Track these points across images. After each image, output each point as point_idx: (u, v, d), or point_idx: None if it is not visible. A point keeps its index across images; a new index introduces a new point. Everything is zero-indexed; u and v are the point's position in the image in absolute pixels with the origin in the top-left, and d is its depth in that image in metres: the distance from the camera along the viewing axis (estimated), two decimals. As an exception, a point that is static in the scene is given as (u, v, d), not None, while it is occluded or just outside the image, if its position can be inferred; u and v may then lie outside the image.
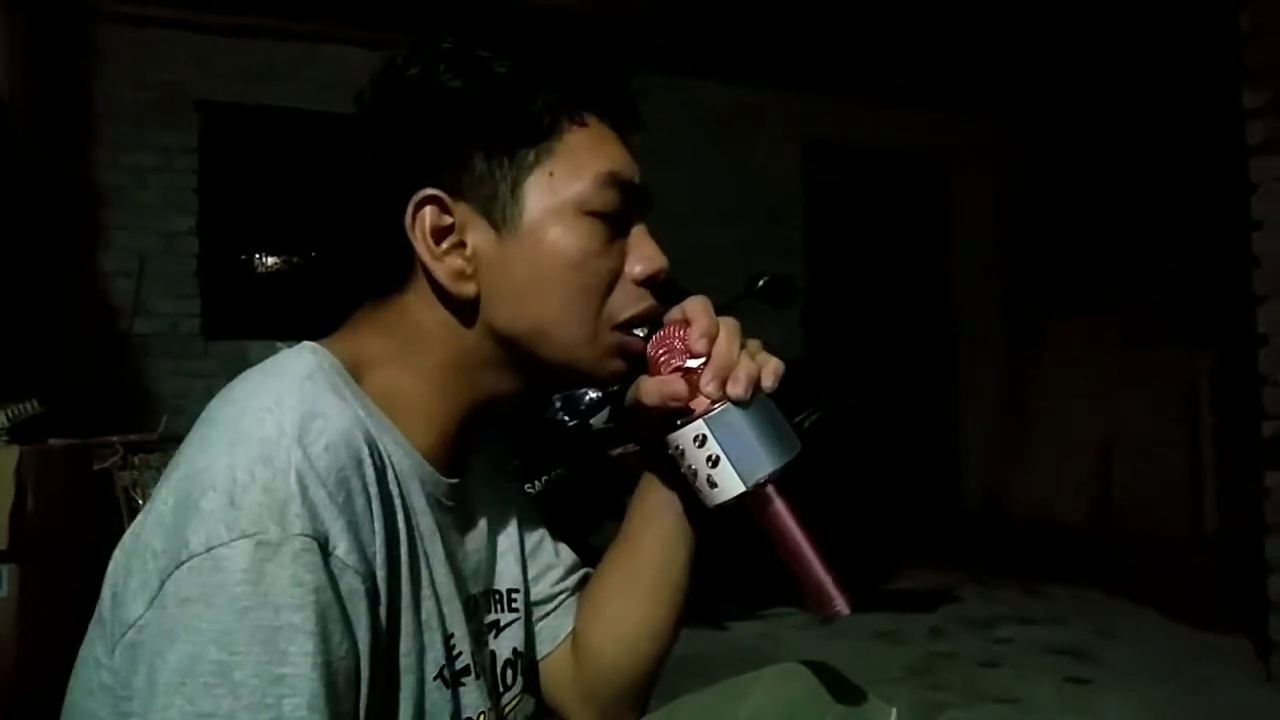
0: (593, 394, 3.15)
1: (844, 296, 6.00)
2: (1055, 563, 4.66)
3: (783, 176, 5.88)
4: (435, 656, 0.76)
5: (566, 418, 3.21)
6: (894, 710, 0.85)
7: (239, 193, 4.71)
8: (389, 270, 0.78)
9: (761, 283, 3.46)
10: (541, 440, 3.20)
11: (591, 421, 3.19)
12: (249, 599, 0.60)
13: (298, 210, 4.62)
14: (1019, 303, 6.32)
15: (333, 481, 0.65)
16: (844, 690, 0.87)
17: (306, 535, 0.62)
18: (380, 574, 0.68)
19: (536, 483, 3.15)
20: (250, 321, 4.59)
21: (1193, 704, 2.68)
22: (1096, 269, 5.72)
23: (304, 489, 0.63)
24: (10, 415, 2.33)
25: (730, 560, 2.69)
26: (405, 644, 0.72)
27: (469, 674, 0.81)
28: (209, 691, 0.59)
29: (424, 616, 0.75)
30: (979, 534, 5.58)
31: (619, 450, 3.01)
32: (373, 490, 0.69)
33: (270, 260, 4.86)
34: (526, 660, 0.95)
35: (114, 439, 2.50)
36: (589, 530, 2.87)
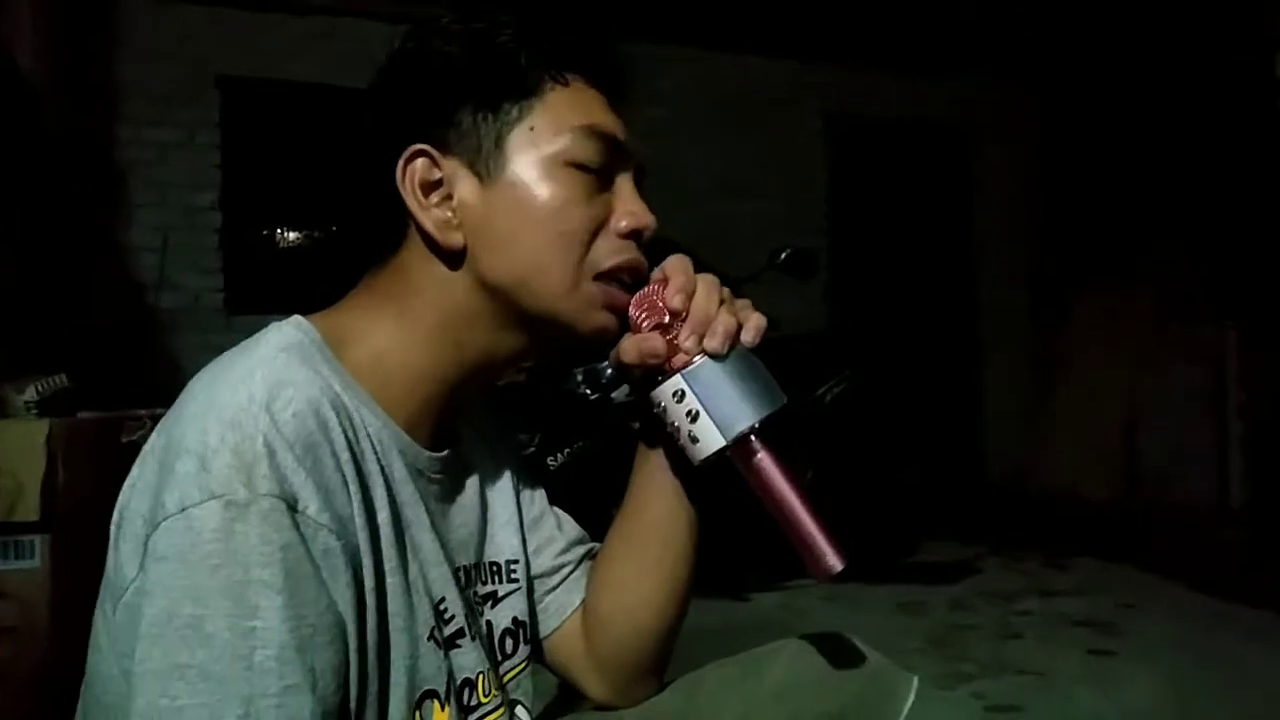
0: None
1: (867, 269, 5.97)
2: (1080, 536, 4.63)
3: (806, 149, 5.84)
4: (425, 618, 0.78)
5: (589, 391, 3.22)
6: (915, 678, 0.86)
7: (261, 168, 4.74)
8: (385, 230, 0.81)
9: (784, 255, 3.45)
10: (563, 414, 3.20)
11: (613, 395, 3.19)
12: (219, 556, 0.63)
13: (319, 185, 4.63)
14: (1044, 275, 6.27)
15: (300, 446, 0.67)
16: (866, 660, 0.87)
17: (274, 496, 0.64)
18: (361, 536, 0.70)
19: (559, 456, 3.16)
20: (272, 296, 4.62)
21: (1217, 677, 2.66)
22: (1123, 241, 5.66)
23: (271, 452, 0.65)
24: (40, 389, 2.35)
25: (751, 531, 2.69)
26: (394, 605, 0.74)
27: (464, 636, 0.82)
28: (184, 643, 0.62)
29: (411, 579, 0.77)
30: (1003, 508, 5.55)
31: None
32: (344, 456, 0.70)
33: (292, 235, 4.89)
34: (531, 630, 0.95)
35: (141, 412, 2.52)
36: (611, 504, 2.88)
